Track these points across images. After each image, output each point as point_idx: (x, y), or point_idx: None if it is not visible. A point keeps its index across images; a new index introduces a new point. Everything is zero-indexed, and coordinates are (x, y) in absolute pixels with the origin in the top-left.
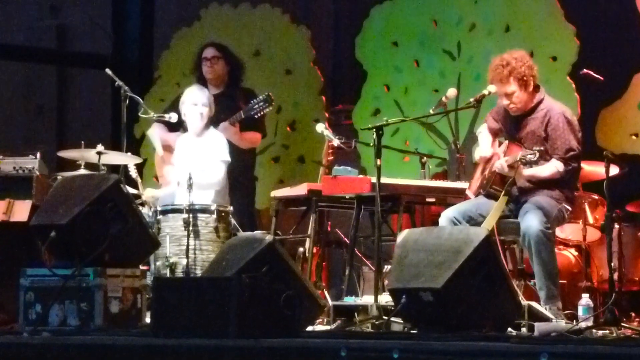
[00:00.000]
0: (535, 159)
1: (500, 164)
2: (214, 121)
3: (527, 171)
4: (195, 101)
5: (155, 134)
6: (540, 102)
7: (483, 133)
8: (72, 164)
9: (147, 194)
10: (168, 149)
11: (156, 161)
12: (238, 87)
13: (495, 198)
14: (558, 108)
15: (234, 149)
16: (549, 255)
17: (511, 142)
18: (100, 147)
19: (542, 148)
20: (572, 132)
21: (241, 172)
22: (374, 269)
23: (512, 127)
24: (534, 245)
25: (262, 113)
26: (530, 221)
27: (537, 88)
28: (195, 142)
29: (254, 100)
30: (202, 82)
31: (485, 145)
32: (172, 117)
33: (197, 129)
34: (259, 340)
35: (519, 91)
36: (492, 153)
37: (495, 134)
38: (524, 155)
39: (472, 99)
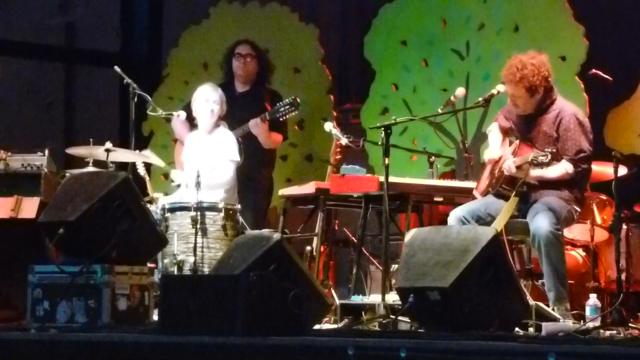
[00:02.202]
0: (547, 160)
1: (508, 165)
2: (230, 119)
3: (535, 172)
4: (207, 97)
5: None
6: (552, 102)
7: (493, 132)
8: (80, 161)
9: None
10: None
11: (175, 150)
12: (264, 88)
13: (505, 198)
14: (570, 109)
15: (258, 147)
16: (558, 257)
17: (522, 142)
18: (108, 145)
19: (554, 150)
20: (584, 133)
21: (259, 171)
22: (381, 268)
23: (523, 126)
24: (543, 247)
25: (287, 116)
26: (540, 222)
27: (550, 88)
28: (204, 140)
29: (280, 102)
30: (230, 77)
31: (494, 147)
32: (181, 114)
33: (207, 126)
34: (266, 338)
35: (525, 97)
36: (501, 155)
37: (505, 132)
38: (535, 157)
39: (480, 99)
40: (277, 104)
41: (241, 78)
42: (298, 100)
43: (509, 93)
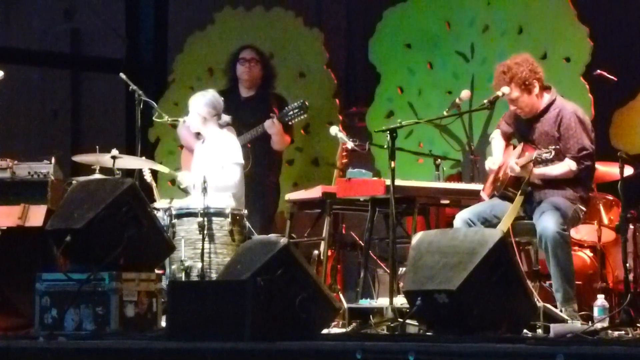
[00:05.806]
0: (551, 157)
1: (512, 165)
2: (237, 124)
3: (538, 170)
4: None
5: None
6: (552, 102)
7: (495, 139)
8: (87, 169)
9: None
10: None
11: (182, 156)
12: (270, 92)
13: (510, 199)
14: (570, 107)
15: (264, 151)
16: (565, 257)
17: (525, 144)
18: (114, 152)
19: (558, 147)
20: (585, 131)
21: (266, 176)
22: (388, 271)
23: (525, 129)
24: (550, 247)
25: (296, 120)
26: (547, 222)
27: (547, 89)
28: (202, 147)
29: (289, 106)
30: (235, 82)
31: (495, 155)
32: (187, 120)
33: (201, 135)
34: (274, 343)
35: (523, 96)
36: (502, 162)
37: (508, 137)
38: (539, 154)
39: (485, 101)
40: (286, 108)
41: (246, 83)
42: (307, 103)
43: (508, 100)
